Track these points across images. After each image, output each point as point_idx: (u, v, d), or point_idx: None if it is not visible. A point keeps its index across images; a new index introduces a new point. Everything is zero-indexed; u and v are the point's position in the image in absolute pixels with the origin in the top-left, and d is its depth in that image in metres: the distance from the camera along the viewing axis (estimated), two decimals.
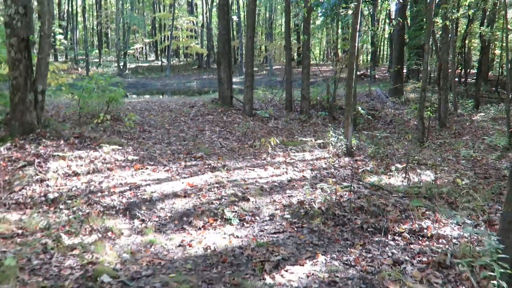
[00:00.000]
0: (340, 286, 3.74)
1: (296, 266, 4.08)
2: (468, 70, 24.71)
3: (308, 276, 3.89)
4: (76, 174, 6.24)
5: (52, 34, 10.72)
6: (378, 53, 39.99)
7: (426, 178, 7.38)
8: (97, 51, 45.26)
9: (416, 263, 4.17)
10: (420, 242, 4.75)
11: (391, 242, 4.73)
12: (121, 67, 37.55)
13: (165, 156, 7.64)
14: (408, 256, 4.34)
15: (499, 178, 7.83)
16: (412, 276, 3.89)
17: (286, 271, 3.97)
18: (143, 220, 5.12)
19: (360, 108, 10.79)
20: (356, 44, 8.82)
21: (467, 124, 14.88)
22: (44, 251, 4.05)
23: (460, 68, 22.57)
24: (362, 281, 3.82)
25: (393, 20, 17.93)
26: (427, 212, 5.57)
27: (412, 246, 4.65)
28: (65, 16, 45.08)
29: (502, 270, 3.35)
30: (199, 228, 4.96)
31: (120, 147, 7.55)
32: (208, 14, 43.94)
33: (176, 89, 29.08)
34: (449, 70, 15.44)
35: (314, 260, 4.20)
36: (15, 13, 7.23)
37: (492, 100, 20.10)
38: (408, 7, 20.72)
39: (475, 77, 21.60)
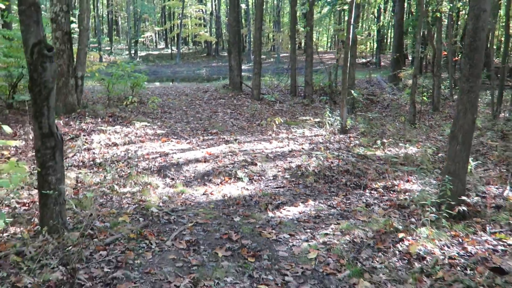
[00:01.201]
0: (323, 218, 5.10)
1: (292, 207, 5.45)
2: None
3: (300, 213, 5.26)
4: (115, 144, 7.64)
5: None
6: (384, 41, 40.88)
7: (408, 151, 8.68)
8: (107, 39, 46.59)
9: (383, 205, 5.53)
10: (390, 194, 6.08)
11: (368, 194, 6.08)
12: (132, 55, 38.92)
13: (186, 132, 9.03)
14: (377, 202, 5.69)
15: (472, 151, 9.09)
16: (377, 213, 5.24)
17: (284, 209, 5.34)
18: (172, 179, 6.50)
19: (353, 92, 12.02)
20: (351, 36, 10.08)
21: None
22: (104, 195, 5.44)
23: (459, 55, 23.61)
24: (340, 215, 5.19)
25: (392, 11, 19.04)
26: (400, 174, 6.90)
27: (383, 197, 5.99)
28: (76, 4, 46.50)
29: (433, 200, 4.71)
30: (218, 184, 6.33)
31: (149, 124, 8.94)
32: (216, 2, 45.00)
33: (186, 76, 30.32)
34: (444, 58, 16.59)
35: (306, 204, 5.57)
36: (60, 10, 8.58)
37: (491, 86, 21.16)
38: None
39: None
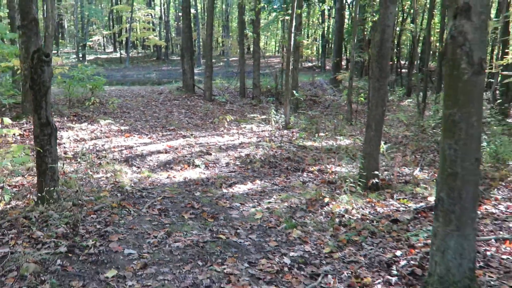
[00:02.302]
0: (267, 192, 6.31)
1: (242, 185, 6.61)
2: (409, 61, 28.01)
3: (249, 189, 6.44)
4: (83, 139, 8.51)
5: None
6: (328, 45, 43.13)
7: (341, 143, 10.08)
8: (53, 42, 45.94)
9: (315, 182, 6.81)
10: (323, 175, 7.38)
11: (305, 175, 7.35)
12: (80, 58, 38.78)
13: (146, 128, 9.99)
14: (312, 180, 6.97)
15: (395, 142, 10.64)
16: (311, 187, 6.51)
17: (236, 187, 6.50)
18: (138, 167, 7.48)
19: (295, 93, 13.39)
20: (292, 43, 11.41)
21: (394, 107, 17.86)
22: (82, 179, 6.37)
23: (395, 60, 25.76)
24: (281, 190, 6.41)
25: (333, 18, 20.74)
26: (332, 160, 8.24)
27: (317, 177, 7.27)
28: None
29: (353, 176, 6.02)
30: (178, 170, 7.39)
31: (112, 122, 9.83)
32: (165, 6, 45.57)
33: (136, 80, 30.75)
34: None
35: (253, 183, 6.76)
36: None
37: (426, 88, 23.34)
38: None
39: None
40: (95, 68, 12.22)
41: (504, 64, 8.37)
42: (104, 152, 7.94)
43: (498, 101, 14.20)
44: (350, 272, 3.94)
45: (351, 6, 23.41)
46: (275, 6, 27.58)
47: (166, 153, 8.16)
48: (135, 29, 44.74)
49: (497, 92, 16.43)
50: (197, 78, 23.79)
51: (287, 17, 13.51)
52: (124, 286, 3.46)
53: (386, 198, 6.15)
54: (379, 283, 3.73)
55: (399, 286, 3.63)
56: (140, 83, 25.97)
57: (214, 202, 5.76)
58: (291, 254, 4.30)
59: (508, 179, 7.02)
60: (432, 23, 23.36)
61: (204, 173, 7.23)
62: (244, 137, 9.90)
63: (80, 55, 39.39)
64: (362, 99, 16.14)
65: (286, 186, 6.62)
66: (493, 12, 20.93)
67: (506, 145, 7.93)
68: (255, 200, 5.95)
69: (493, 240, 4.72)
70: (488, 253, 4.38)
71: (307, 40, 34.87)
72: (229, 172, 7.40)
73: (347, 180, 6.45)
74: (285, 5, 15.86)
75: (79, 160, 7.48)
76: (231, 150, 8.65)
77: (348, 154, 8.75)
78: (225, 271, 3.83)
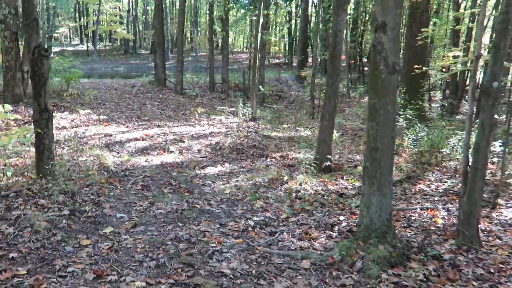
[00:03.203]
0: (235, 173, 7.24)
1: (213, 168, 7.52)
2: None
3: (218, 171, 7.35)
4: (64, 127, 9.19)
5: None
6: (295, 43, 44.33)
7: (302, 134, 11.11)
8: None
9: (277, 166, 7.79)
10: (284, 160, 8.37)
11: (268, 160, 8.32)
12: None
13: (122, 118, 10.73)
14: (274, 164, 7.94)
15: (351, 134, 11.77)
16: (273, 169, 7.48)
17: (207, 169, 7.40)
18: (118, 152, 8.25)
19: (261, 87, 14.35)
20: (259, 41, 12.35)
21: (354, 104, 19.08)
22: (69, 161, 7.11)
23: (358, 58, 27.13)
24: (247, 171, 7.35)
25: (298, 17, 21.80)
26: (293, 148, 9.25)
27: (279, 162, 8.25)
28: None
29: (310, 159, 7.03)
30: (155, 155, 8.21)
31: (91, 112, 10.51)
32: (133, 0, 45.65)
33: (103, 73, 30.82)
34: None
35: (223, 165, 7.67)
36: (9, 13, 9.88)
37: None
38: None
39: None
40: (71, 61, 12.80)
41: (446, 64, 9.53)
42: (85, 139, 8.66)
43: (448, 99, 15.62)
44: (301, 231, 4.92)
45: (315, 7, 24.51)
46: (245, 1, 28.38)
47: (143, 140, 8.96)
48: (102, 22, 44.60)
49: (447, 91, 17.93)
50: (167, 73, 24.43)
51: (254, 17, 14.42)
52: (120, 239, 4.31)
53: (337, 178, 7.20)
54: (323, 237, 4.74)
55: (338, 238, 4.64)
56: (108, 76, 26.19)
57: (189, 180, 6.65)
58: (255, 218, 5.26)
59: (442, 164, 8.21)
60: None
61: (178, 158, 8.08)
62: (214, 128, 10.79)
63: (46, 47, 39.03)
64: (324, 94, 17.21)
65: (252, 169, 7.57)
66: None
67: (442, 136, 9.13)
68: (225, 179, 6.88)
69: (418, 209, 5.83)
70: (413, 218, 5.47)
71: (275, 38, 35.95)
72: (201, 157, 8.29)
73: (304, 163, 7.47)
74: (252, 3, 16.76)
75: (62, 145, 8.18)
76: (202, 139, 9.53)
77: (307, 143, 9.78)
78: (200, 229, 4.75)
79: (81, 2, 46.79)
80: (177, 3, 48.21)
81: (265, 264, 3.99)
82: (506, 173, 7.38)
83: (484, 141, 4.32)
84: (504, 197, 6.37)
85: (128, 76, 27.51)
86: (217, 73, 18.43)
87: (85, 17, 46.72)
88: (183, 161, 7.88)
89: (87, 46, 44.34)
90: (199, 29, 42.44)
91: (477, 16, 12.10)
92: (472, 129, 5.17)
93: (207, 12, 42.03)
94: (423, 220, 5.36)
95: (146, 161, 7.73)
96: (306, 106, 17.72)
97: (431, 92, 19.08)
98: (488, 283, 3.68)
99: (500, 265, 4.02)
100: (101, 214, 4.90)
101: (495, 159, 8.20)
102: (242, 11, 34.83)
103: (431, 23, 14.64)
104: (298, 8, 36.25)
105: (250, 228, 4.93)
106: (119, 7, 45.99)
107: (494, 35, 5.05)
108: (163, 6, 40.96)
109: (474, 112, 6.72)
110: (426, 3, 12.20)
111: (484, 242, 4.63)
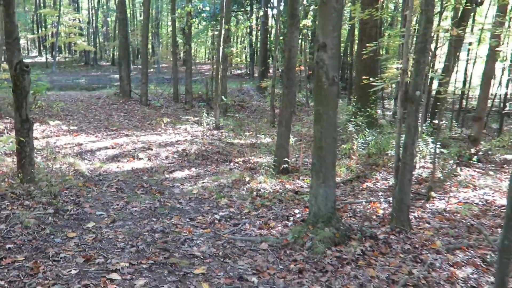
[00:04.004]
0: (201, 176, 7.91)
1: (181, 172, 8.16)
2: None
3: (186, 175, 8.00)
4: (36, 138, 9.58)
5: None
6: (257, 54, 45.45)
7: (263, 141, 11.89)
8: None
9: (240, 169, 8.51)
10: (247, 165, 9.10)
11: (231, 164, 9.03)
12: (3, 62, 37.88)
13: (91, 129, 11.19)
14: (237, 167, 8.67)
15: (307, 140, 12.64)
16: (236, 172, 8.19)
17: (176, 173, 8.04)
18: (90, 160, 8.76)
19: (223, 97, 15.10)
20: (220, 54, 13.10)
21: (312, 112, 20.07)
22: (45, 168, 7.58)
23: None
24: (212, 174, 8.04)
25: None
26: (255, 153, 10.01)
27: (242, 165, 8.97)
28: None
29: (269, 163, 7.80)
30: (125, 162, 8.76)
31: (60, 123, 10.93)
32: (93, 11, 45.57)
33: (64, 85, 30.61)
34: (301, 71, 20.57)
35: (189, 170, 8.33)
36: None
37: (344, 95, 26.05)
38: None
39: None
40: (38, 74, 13.12)
41: (389, 75, 10.49)
42: (57, 148, 9.11)
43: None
44: (261, 222, 5.66)
45: (275, 21, 25.59)
46: (207, 14, 29.07)
47: (112, 148, 9.49)
48: (61, 34, 44.24)
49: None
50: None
51: (216, 32, 15.18)
52: (102, 232, 4.91)
53: (293, 178, 7.99)
54: (280, 226, 5.48)
55: (292, 226, 5.39)
56: (69, 89, 26.15)
57: (159, 183, 7.28)
58: (220, 213, 5.95)
59: (388, 165, 9.15)
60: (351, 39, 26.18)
61: (148, 164, 8.68)
62: (180, 136, 11.41)
63: (3, 59, 38.43)
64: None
65: (216, 172, 8.27)
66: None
67: (388, 140, 10.10)
68: (192, 181, 7.54)
69: (363, 202, 6.68)
70: (358, 209, 6.31)
71: (236, 49, 36.83)
72: (169, 163, 8.90)
73: (264, 166, 8.23)
74: (214, 18, 17.57)
75: (36, 155, 8.60)
76: (169, 146, 10.14)
77: (267, 148, 10.56)
78: (173, 222, 5.40)
79: (39, 14, 46.27)
80: (138, 15, 48.37)
81: (230, 248, 4.69)
82: (440, 171, 8.42)
83: (411, 140, 5.21)
84: (438, 192, 7.33)
85: (89, 88, 27.52)
86: (180, 84, 19.03)
87: (44, 29, 46.14)
88: (153, 166, 8.48)
89: (46, 58, 43.80)
90: (160, 40, 42.82)
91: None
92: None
93: (169, 24, 42.63)
94: (366, 211, 6.21)
95: (117, 167, 8.28)
96: (267, 115, 18.56)
97: (384, 101, 20.34)
98: (412, 255, 4.52)
99: (425, 242, 4.89)
100: (82, 212, 5.48)
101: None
102: (204, 23, 35.64)
103: (386, 34, 15.83)
104: (258, 20, 37.43)
105: (216, 221, 5.62)
106: (78, 19, 45.72)
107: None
108: (125, 17, 41.27)
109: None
110: (375, 19, 13.30)
111: (415, 226, 5.51)
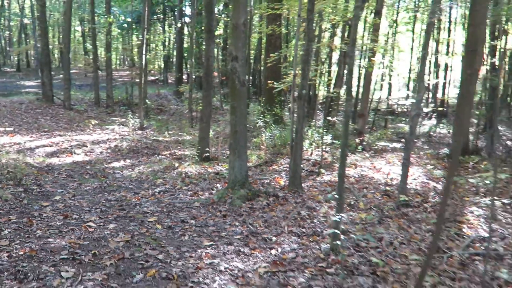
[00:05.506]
0: (136, 165, 9.37)
1: (117, 163, 9.55)
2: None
3: (122, 165, 9.41)
4: None
5: None
6: (170, 60, 46.48)
7: (184, 138, 13.48)
8: None
9: (169, 159, 10.07)
10: (174, 156, 10.65)
11: (160, 156, 10.55)
12: None
13: (23, 131, 12.04)
14: (166, 158, 10.22)
15: (224, 136, 14.43)
16: (165, 161, 9.75)
17: (114, 163, 9.41)
18: (31, 156, 9.79)
19: (147, 101, 16.45)
20: (143, 62, 14.49)
21: (226, 114, 21.91)
22: None
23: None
24: (145, 163, 9.52)
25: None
26: (179, 147, 11.59)
27: (169, 156, 10.52)
28: None
29: (193, 153, 9.49)
30: (65, 157, 9.92)
31: None
32: None
33: None
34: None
35: (124, 161, 9.74)
36: None
37: (255, 99, 28.25)
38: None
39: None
40: None
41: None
42: None
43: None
44: (192, 192, 7.33)
45: (189, 31, 27.18)
46: (122, 23, 29.82)
47: (50, 146, 10.56)
48: None
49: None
50: (35, 91, 24.85)
51: (138, 41, 16.47)
52: (68, 202, 6.28)
53: (214, 164, 9.73)
54: (207, 193, 7.20)
55: (216, 192, 7.13)
56: None
57: (101, 170, 8.65)
58: (158, 189, 7.53)
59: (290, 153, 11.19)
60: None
61: (86, 158, 9.92)
62: (109, 135, 12.64)
63: None
64: (200, 107, 19.79)
65: (148, 162, 9.77)
66: None
67: (290, 134, 12.20)
68: (129, 169, 8.99)
69: (269, 178, 8.60)
70: (265, 182, 8.20)
71: (150, 55, 37.68)
72: (104, 157, 10.21)
73: (189, 156, 9.89)
74: (131, 28, 18.82)
75: None
76: (102, 144, 11.39)
77: (190, 144, 12.21)
78: (122, 195, 6.89)
79: None
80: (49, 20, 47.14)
81: (171, 207, 6.33)
82: (326, 155, 10.64)
83: (300, 126, 7.20)
84: (328, 170, 9.48)
85: None
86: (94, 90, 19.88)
87: None
88: (91, 160, 9.75)
89: None
90: (72, 45, 42.25)
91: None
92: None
93: (77, 29, 42.44)
94: (271, 183, 8.14)
95: (59, 161, 9.45)
96: (185, 117, 20.13)
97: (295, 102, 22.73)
98: (301, 204, 6.48)
99: (311, 197, 6.89)
100: (46, 191, 6.77)
101: (327, 149, 11.48)
102: (118, 31, 36.16)
103: (293, 42, 18.02)
104: (170, 28, 38.66)
105: (156, 193, 7.21)
106: None
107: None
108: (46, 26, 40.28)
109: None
110: (279, 32, 15.49)
111: (306, 190, 7.52)
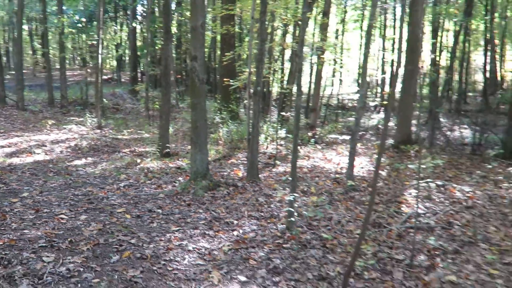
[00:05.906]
0: (98, 162, 9.62)
1: (79, 161, 9.76)
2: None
3: (84, 162, 9.64)
4: None
5: None
6: (122, 59, 45.91)
7: (142, 136, 13.75)
8: None
9: (130, 156, 10.37)
10: (135, 153, 10.95)
11: (121, 153, 10.82)
12: None
13: None
14: (126, 155, 10.51)
15: (182, 133, 14.80)
16: (127, 158, 10.05)
17: (74, 162, 9.62)
18: None
19: (104, 100, 16.54)
20: (100, 61, 14.60)
21: (182, 112, 22.18)
22: None
23: (183, 73, 30.57)
24: (107, 160, 9.79)
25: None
26: (139, 144, 11.88)
27: (131, 154, 10.81)
28: None
29: (154, 150, 9.85)
30: (25, 156, 10.01)
31: None
32: None
33: None
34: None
35: (86, 159, 9.96)
36: None
37: (211, 97, 28.58)
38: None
39: None
40: None
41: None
42: None
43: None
44: (155, 185, 7.73)
45: (142, 30, 27.16)
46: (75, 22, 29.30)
47: (8, 147, 10.59)
48: None
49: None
50: None
51: (93, 40, 16.52)
52: (36, 198, 6.54)
53: (174, 160, 10.13)
54: (170, 186, 7.62)
55: (179, 184, 7.57)
56: None
57: (64, 168, 8.86)
58: (122, 184, 7.87)
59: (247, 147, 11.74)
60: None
61: (47, 157, 10.06)
62: (67, 135, 12.73)
63: None
64: (156, 106, 20.05)
65: (110, 159, 10.04)
66: None
67: (246, 129, 12.76)
68: (92, 166, 9.25)
69: (228, 170, 9.12)
70: (224, 174, 8.71)
71: (103, 54, 37.16)
72: (65, 155, 10.38)
73: (150, 153, 10.24)
74: (88, 28, 18.81)
75: None
76: (61, 143, 11.51)
77: (149, 141, 12.51)
78: (88, 190, 7.20)
79: None
80: None
81: (137, 199, 6.72)
82: (281, 148, 11.27)
83: (256, 120, 7.75)
84: (283, 162, 10.09)
85: None
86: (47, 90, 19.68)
87: None
88: (52, 159, 9.91)
89: None
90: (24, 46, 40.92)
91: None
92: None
93: (24, 27, 41.19)
94: (230, 174, 8.65)
95: (20, 160, 9.55)
96: (142, 116, 20.29)
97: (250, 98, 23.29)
98: (258, 192, 7.04)
99: (267, 186, 7.47)
100: (13, 188, 6.98)
101: (282, 142, 12.12)
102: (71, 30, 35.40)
103: (246, 40, 18.51)
104: (123, 27, 38.28)
105: (121, 188, 7.56)
106: None
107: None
108: None
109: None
110: (233, 32, 15.99)
111: (263, 180, 8.09)
